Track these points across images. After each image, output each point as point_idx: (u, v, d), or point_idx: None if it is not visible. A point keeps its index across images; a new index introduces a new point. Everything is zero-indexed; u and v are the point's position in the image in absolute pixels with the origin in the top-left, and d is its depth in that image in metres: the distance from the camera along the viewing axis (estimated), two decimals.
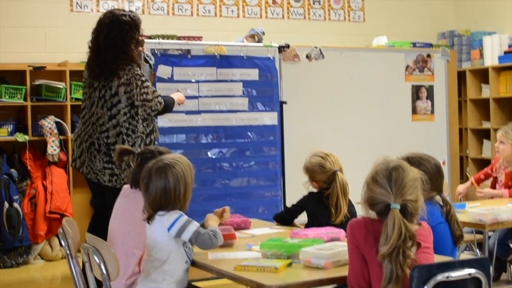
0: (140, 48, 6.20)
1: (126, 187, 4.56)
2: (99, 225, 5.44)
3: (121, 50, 5.69)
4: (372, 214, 3.28)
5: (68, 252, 4.23)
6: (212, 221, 4.17)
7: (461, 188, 6.84)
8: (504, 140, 6.49)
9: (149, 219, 3.83)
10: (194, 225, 3.80)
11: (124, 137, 5.65)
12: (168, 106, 5.85)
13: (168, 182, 3.80)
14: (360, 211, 3.42)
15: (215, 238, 3.84)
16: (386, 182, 3.21)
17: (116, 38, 5.69)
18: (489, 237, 5.86)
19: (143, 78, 5.67)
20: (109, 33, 5.70)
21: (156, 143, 5.84)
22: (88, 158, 5.76)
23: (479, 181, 6.80)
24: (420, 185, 3.31)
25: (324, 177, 4.89)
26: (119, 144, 5.57)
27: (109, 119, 5.68)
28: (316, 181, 4.95)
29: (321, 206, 4.87)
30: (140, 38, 5.86)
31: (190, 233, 3.77)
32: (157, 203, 3.81)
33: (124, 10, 5.90)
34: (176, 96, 6.09)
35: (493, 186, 6.68)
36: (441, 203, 4.06)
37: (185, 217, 3.80)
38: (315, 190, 5.00)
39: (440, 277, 3.10)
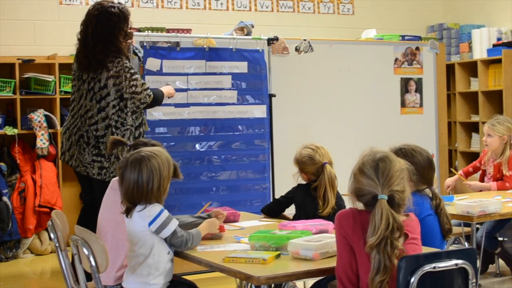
0: (129, 41, 6.20)
1: (115, 179, 4.55)
2: (88, 219, 5.43)
3: (109, 42, 5.69)
4: (359, 205, 3.29)
5: (57, 245, 4.22)
6: (204, 229, 4.11)
7: (450, 181, 6.86)
8: (491, 133, 6.51)
9: (127, 212, 3.83)
10: (174, 224, 3.80)
11: (113, 129, 5.65)
12: (157, 99, 5.86)
13: (141, 175, 3.78)
14: (348, 203, 3.43)
15: (189, 243, 3.86)
16: (373, 173, 3.22)
17: (104, 29, 5.70)
18: (477, 229, 5.88)
19: (132, 71, 5.68)
20: (97, 25, 5.70)
21: (144, 136, 5.84)
22: (77, 151, 5.76)
23: (467, 174, 6.82)
24: (407, 175, 3.32)
25: (313, 169, 4.92)
26: (108, 137, 5.57)
27: (98, 111, 5.69)
28: (305, 172, 4.97)
29: (309, 197, 4.90)
30: (129, 30, 5.86)
31: (169, 232, 3.78)
32: (130, 195, 3.80)
33: (113, 2, 5.90)
34: (166, 89, 6.10)
35: (482, 179, 6.70)
36: (430, 195, 4.07)
37: (166, 213, 3.79)
38: (304, 182, 5.03)
39: (428, 267, 3.12)
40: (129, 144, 4.64)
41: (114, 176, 5.42)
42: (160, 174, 3.81)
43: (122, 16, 5.78)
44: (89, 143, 5.71)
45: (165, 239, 3.81)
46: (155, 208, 3.78)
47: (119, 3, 5.97)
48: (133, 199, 3.80)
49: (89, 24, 5.74)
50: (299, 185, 5.05)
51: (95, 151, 5.70)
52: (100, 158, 5.67)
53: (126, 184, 3.81)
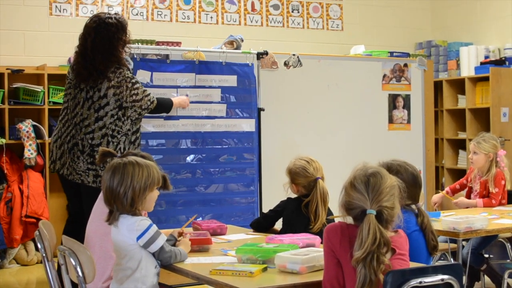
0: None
1: None
2: (75, 230, 5.43)
3: (109, 52, 5.73)
4: (349, 219, 3.31)
5: (44, 255, 4.22)
6: (184, 245, 4.12)
7: (436, 197, 6.88)
8: (477, 151, 6.54)
9: (108, 217, 3.84)
10: (162, 239, 3.81)
11: (110, 138, 5.70)
12: (163, 106, 6.01)
13: (112, 179, 3.81)
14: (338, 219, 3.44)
15: (177, 258, 3.86)
16: (363, 188, 3.24)
17: (103, 40, 5.73)
18: (463, 246, 5.91)
19: (134, 80, 5.76)
20: (96, 37, 5.74)
21: (140, 141, 5.95)
22: (70, 159, 5.77)
23: (454, 191, 6.85)
24: (398, 193, 3.33)
25: (305, 181, 4.90)
26: (104, 146, 5.64)
27: (96, 120, 5.72)
28: (296, 184, 4.94)
29: (299, 213, 4.86)
30: (127, 39, 5.89)
31: (157, 247, 3.78)
32: (106, 198, 3.85)
33: (109, 13, 5.93)
34: (179, 99, 6.26)
35: (468, 197, 6.72)
36: (416, 212, 4.09)
37: (154, 228, 3.79)
38: (293, 196, 5.01)
39: (414, 282, 3.13)
40: (119, 155, 4.66)
41: None
42: (131, 181, 3.80)
43: (120, 26, 5.83)
44: (84, 151, 5.72)
45: (153, 254, 3.82)
46: (144, 222, 3.79)
47: (115, 13, 5.99)
48: (109, 202, 3.83)
49: (88, 37, 5.76)
50: (289, 199, 5.03)
51: (90, 159, 5.71)
52: (95, 167, 5.69)
53: (103, 187, 3.87)
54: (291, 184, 4.99)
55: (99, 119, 5.72)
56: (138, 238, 3.76)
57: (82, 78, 5.76)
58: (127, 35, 5.90)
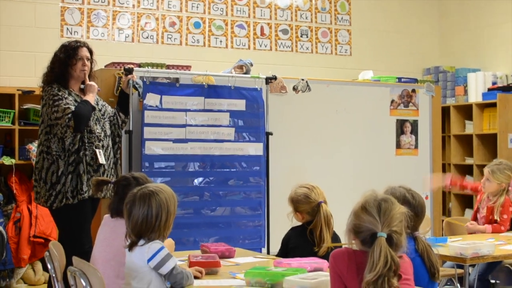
0: (129, 76, 6.31)
1: (107, 216, 4.59)
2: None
3: (47, 70, 6.00)
4: (356, 244, 3.33)
5: (53, 275, 4.26)
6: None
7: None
8: (490, 179, 6.59)
9: (131, 246, 3.88)
10: (173, 262, 3.83)
11: (44, 155, 5.78)
12: (82, 116, 5.76)
13: (150, 209, 3.84)
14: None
15: (188, 281, 3.87)
16: (375, 211, 3.25)
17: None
18: (469, 273, 5.92)
19: (56, 97, 5.76)
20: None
21: (91, 162, 5.83)
22: None
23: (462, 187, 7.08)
24: (405, 220, 3.36)
25: (308, 207, 4.91)
26: (40, 163, 5.76)
27: (38, 138, 5.89)
28: (300, 211, 4.95)
29: (304, 239, 4.88)
30: (62, 56, 5.97)
31: (168, 269, 3.80)
32: (138, 230, 3.84)
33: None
34: (91, 97, 5.96)
35: (475, 217, 6.78)
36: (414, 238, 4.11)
37: (165, 251, 3.82)
38: (298, 223, 5.02)
39: None
40: (112, 181, 4.72)
41: (46, 201, 5.55)
42: (167, 208, 3.88)
43: (62, 46, 6.04)
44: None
45: (164, 276, 3.85)
46: (155, 245, 3.81)
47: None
48: (140, 233, 3.85)
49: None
50: (292, 228, 5.06)
51: (33, 177, 5.89)
52: (35, 183, 5.82)
53: (134, 219, 3.86)
54: (295, 212, 5.00)
55: (38, 137, 5.87)
56: (149, 260, 3.78)
57: None
58: (64, 52, 5.96)
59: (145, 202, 3.86)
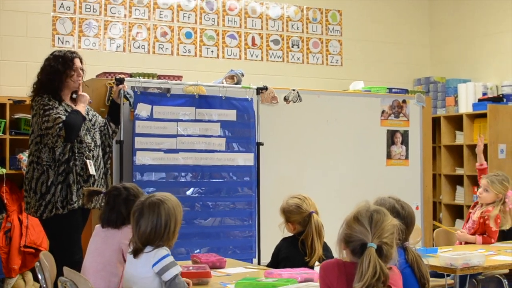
0: (121, 86, 6.32)
1: (98, 226, 4.60)
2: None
3: (37, 80, 5.95)
4: (345, 255, 3.34)
5: (44, 286, 4.26)
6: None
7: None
8: (489, 189, 6.64)
9: (136, 253, 3.88)
10: (176, 269, 3.84)
11: (35, 165, 5.76)
12: (73, 126, 5.75)
13: (160, 217, 3.88)
14: (335, 254, 3.46)
15: None
16: (367, 222, 3.27)
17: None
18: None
19: (47, 107, 5.74)
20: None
21: (81, 172, 5.79)
22: None
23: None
24: (396, 233, 3.38)
25: (299, 218, 4.91)
26: (30, 173, 5.73)
27: (29, 148, 5.87)
28: (292, 222, 4.96)
29: (295, 250, 4.88)
30: (54, 65, 5.93)
31: (171, 275, 3.82)
32: (146, 238, 3.87)
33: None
34: (82, 107, 5.95)
35: (466, 221, 6.83)
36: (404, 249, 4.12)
37: (171, 258, 3.85)
38: (289, 234, 5.03)
39: None
40: (104, 192, 4.74)
41: (36, 211, 5.55)
42: (175, 217, 3.94)
43: (51, 55, 5.98)
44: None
45: (165, 283, 3.84)
46: (162, 251, 3.85)
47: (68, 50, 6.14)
48: (148, 241, 3.88)
49: None
50: (283, 239, 5.06)
51: (23, 187, 5.87)
52: (26, 193, 5.80)
53: (143, 227, 3.89)
54: (286, 223, 5.01)
55: (28, 146, 5.86)
56: (154, 264, 3.80)
57: None
58: (62, 63, 5.92)
59: (154, 211, 3.90)
